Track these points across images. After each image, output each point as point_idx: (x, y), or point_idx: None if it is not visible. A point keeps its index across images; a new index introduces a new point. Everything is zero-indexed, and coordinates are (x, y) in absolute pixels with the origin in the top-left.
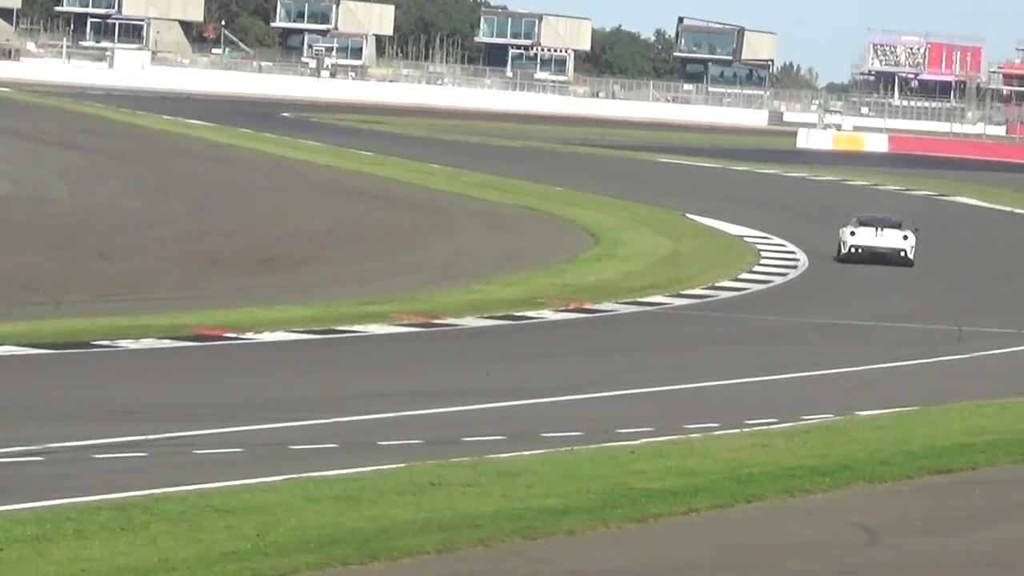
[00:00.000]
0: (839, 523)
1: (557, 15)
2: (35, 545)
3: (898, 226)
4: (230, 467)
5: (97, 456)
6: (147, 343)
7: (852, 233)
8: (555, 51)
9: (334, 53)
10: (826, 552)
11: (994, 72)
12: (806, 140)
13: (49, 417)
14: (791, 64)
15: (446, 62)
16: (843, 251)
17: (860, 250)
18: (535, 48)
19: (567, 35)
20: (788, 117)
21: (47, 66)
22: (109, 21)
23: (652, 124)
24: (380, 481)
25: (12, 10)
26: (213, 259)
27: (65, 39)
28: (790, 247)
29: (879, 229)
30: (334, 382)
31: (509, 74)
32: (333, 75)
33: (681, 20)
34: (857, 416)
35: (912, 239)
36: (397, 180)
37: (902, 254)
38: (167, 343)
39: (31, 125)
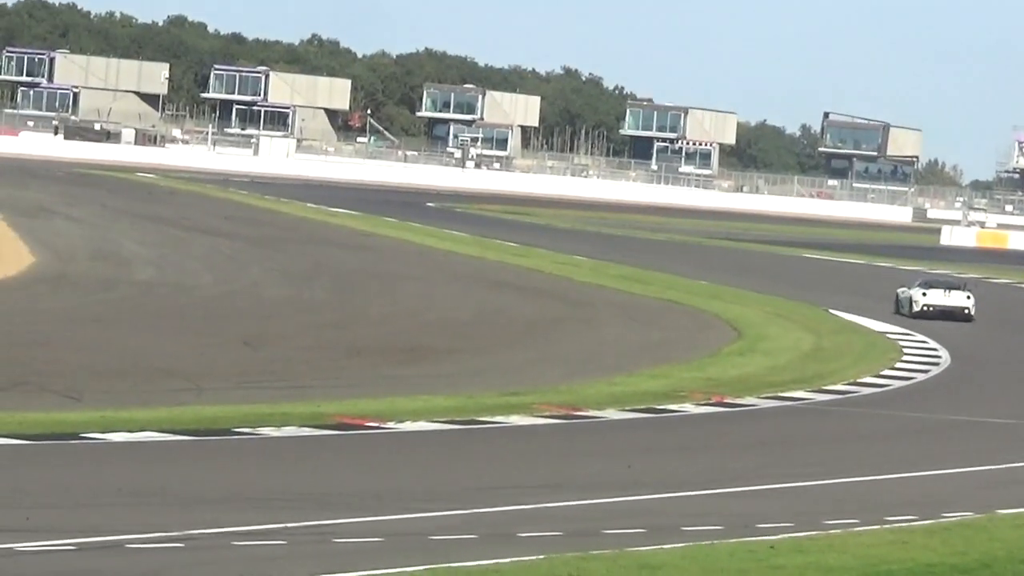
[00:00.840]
0: None
1: (703, 109)
2: None
3: (962, 287)
4: (370, 556)
5: (237, 543)
6: (289, 431)
7: (924, 294)
8: (700, 144)
9: (479, 143)
10: None
11: None
12: (950, 237)
13: (189, 504)
14: (936, 160)
15: (591, 154)
16: (915, 309)
17: (932, 308)
18: (680, 141)
19: (712, 129)
20: (932, 214)
21: (192, 152)
22: (255, 108)
23: (796, 219)
24: (520, 572)
25: (158, 96)
26: (356, 348)
27: (211, 125)
28: (932, 344)
29: (947, 291)
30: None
31: (654, 167)
32: (478, 165)
33: (827, 115)
34: (998, 514)
35: (973, 299)
36: (541, 271)
37: (967, 312)
38: (309, 431)
39: (175, 211)
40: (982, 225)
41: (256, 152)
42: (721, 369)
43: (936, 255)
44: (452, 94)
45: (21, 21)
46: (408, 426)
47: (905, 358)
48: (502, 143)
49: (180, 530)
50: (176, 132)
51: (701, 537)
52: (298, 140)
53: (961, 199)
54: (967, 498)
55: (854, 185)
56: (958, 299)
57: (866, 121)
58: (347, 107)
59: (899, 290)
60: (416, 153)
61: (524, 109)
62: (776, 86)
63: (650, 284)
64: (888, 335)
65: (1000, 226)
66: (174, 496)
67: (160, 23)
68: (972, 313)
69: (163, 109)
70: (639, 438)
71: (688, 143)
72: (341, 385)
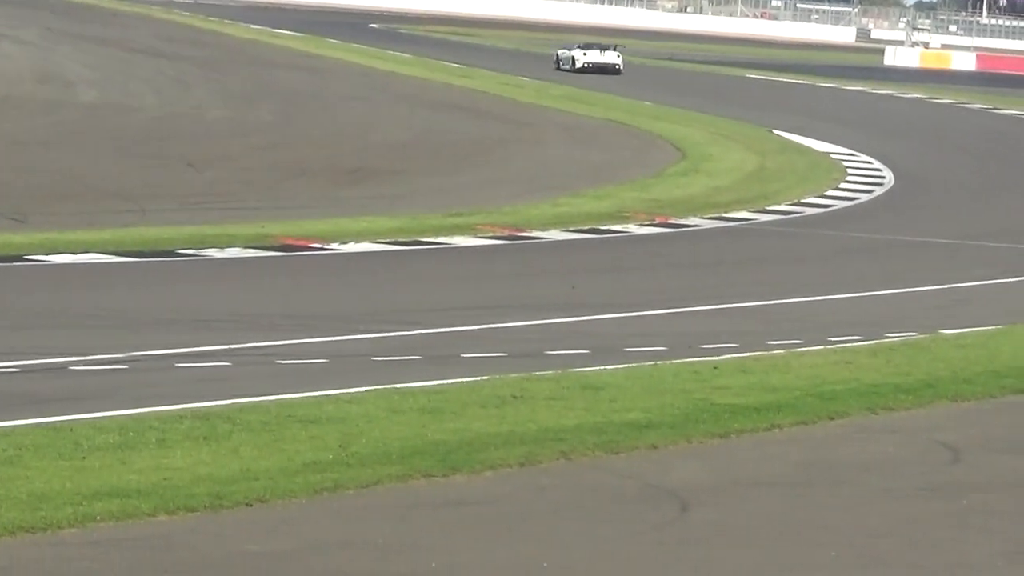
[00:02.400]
0: (922, 441)
1: None
2: (118, 453)
3: (613, 48)
4: (314, 378)
5: (181, 365)
6: (233, 252)
7: (584, 54)
8: None
9: None
10: (908, 469)
11: None
12: (894, 58)
13: (134, 325)
14: None
15: None
16: (577, 65)
17: (591, 65)
18: None
19: None
20: (876, 34)
21: None
22: None
23: (739, 40)
24: (463, 394)
25: None
26: (300, 169)
27: None
28: (876, 164)
29: (602, 51)
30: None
31: None
32: None
33: None
34: (941, 334)
35: (621, 57)
36: (486, 92)
37: (617, 67)
38: (253, 252)
39: (119, 33)
40: (925, 46)
41: None
42: (664, 190)
43: (879, 75)
44: None
45: None
46: (352, 247)
47: (848, 178)
48: None
49: (124, 352)
50: None
51: (644, 358)
52: None
53: (905, 19)
54: (911, 318)
55: (798, 5)
56: (611, 57)
57: None
58: None
59: (559, 51)
60: None
61: None
62: None
63: (593, 105)
64: (831, 155)
65: (944, 47)
66: (118, 318)
67: None
68: (621, 68)
69: None
70: (582, 259)
71: None
72: (285, 206)
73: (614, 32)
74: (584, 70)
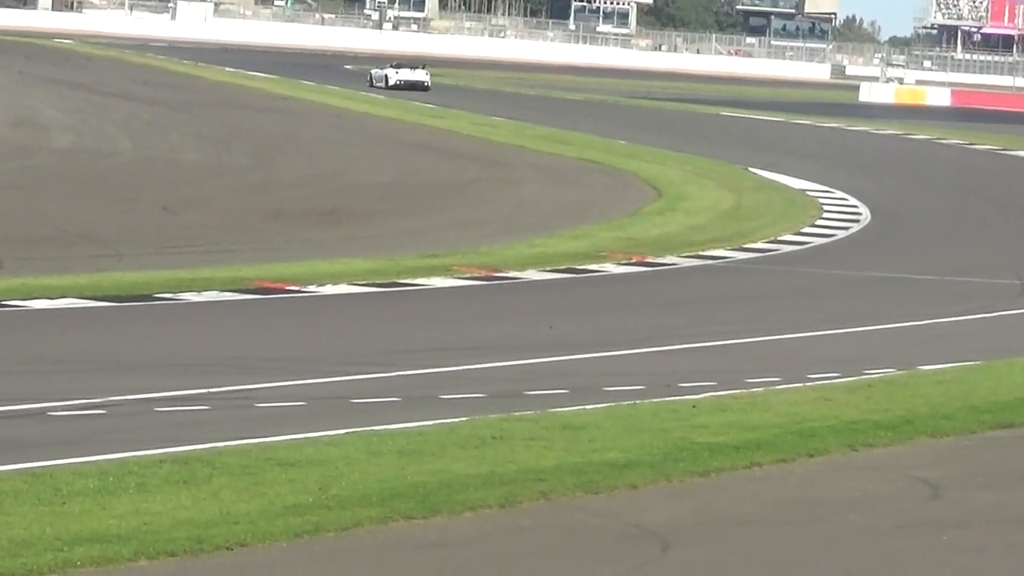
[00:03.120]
0: (901, 478)
1: None
2: (97, 498)
3: (423, 67)
4: (292, 420)
5: (159, 409)
6: (209, 296)
7: (396, 72)
8: (618, 4)
9: (396, 5)
10: (888, 507)
11: None
12: (868, 94)
13: (111, 370)
14: (854, 17)
15: (508, 14)
16: (391, 83)
17: (403, 82)
18: (597, 1)
19: None
20: (851, 71)
21: (109, 18)
22: None
23: (714, 78)
24: (443, 435)
25: None
26: (275, 211)
27: None
28: (852, 201)
29: (412, 69)
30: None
31: (572, 27)
32: (395, 27)
33: None
34: (919, 371)
35: (429, 74)
36: (460, 133)
37: (425, 84)
38: (229, 296)
39: (93, 77)
40: (900, 81)
41: (174, 17)
42: (641, 229)
43: (855, 112)
44: None
45: None
46: (328, 289)
47: (825, 215)
48: (419, 4)
49: (102, 396)
50: None
51: (623, 397)
52: (216, 4)
53: (879, 56)
54: (889, 355)
55: (772, 43)
56: (420, 75)
57: None
58: None
59: (372, 71)
60: (333, 16)
61: None
62: None
63: (569, 144)
64: (808, 192)
65: (918, 82)
66: (96, 362)
67: None
68: (428, 84)
69: None
70: (560, 299)
71: (606, 2)
72: (261, 249)
73: (589, 71)
74: (397, 87)
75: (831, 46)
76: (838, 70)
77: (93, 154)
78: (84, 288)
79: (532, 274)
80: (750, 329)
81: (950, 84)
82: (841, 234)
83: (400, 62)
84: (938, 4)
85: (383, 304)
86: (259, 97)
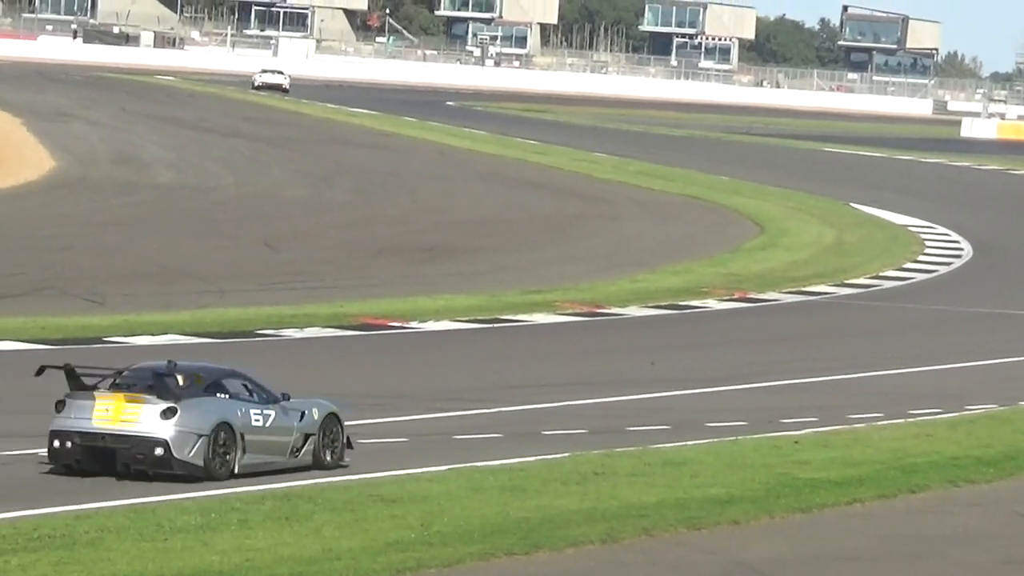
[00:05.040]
0: (1004, 513)
1: (721, 3)
2: (200, 535)
3: (282, 72)
4: (395, 457)
5: None
6: (312, 332)
7: (262, 75)
8: (720, 39)
9: (498, 42)
10: (991, 543)
11: None
12: (971, 129)
13: None
14: (955, 53)
15: (610, 51)
16: (256, 84)
17: (264, 84)
18: (699, 37)
19: (731, 24)
20: (952, 106)
21: (211, 54)
22: (274, 9)
23: (816, 113)
24: (545, 471)
25: None
26: (377, 248)
27: (229, 27)
28: (954, 236)
29: (274, 72)
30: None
31: (674, 63)
32: (497, 64)
33: (846, 9)
34: (1022, 406)
35: (288, 79)
36: (561, 169)
37: (284, 87)
38: (331, 332)
39: (195, 114)
40: (1003, 116)
41: (276, 53)
42: (743, 264)
43: (957, 147)
44: None
45: None
46: (430, 325)
47: (927, 251)
48: (521, 41)
49: None
50: (195, 34)
51: (725, 433)
52: (317, 41)
53: (981, 91)
54: (990, 390)
55: (874, 78)
56: (279, 79)
57: (885, 14)
58: (365, 7)
59: (255, 75)
60: (435, 52)
61: (543, 6)
62: None
63: (671, 180)
64: (910, 228)
65: (1021, 117)
66: None
67: None
68: (287, 87)
69: (181, 11)
70: (662, 335)
71: (707, 38)
72: (363, 285)
73: (690, 107)
74: (260, 87)
75: (933, 81)
76: (940, 105)
77: (194, 190)
78: (185, 324)
79: (634, 310)
80: (851, 365)
81: None
82: (943, 270)
83: (265, 68)
84: None
85: (485, 340)
86: (361, 133)
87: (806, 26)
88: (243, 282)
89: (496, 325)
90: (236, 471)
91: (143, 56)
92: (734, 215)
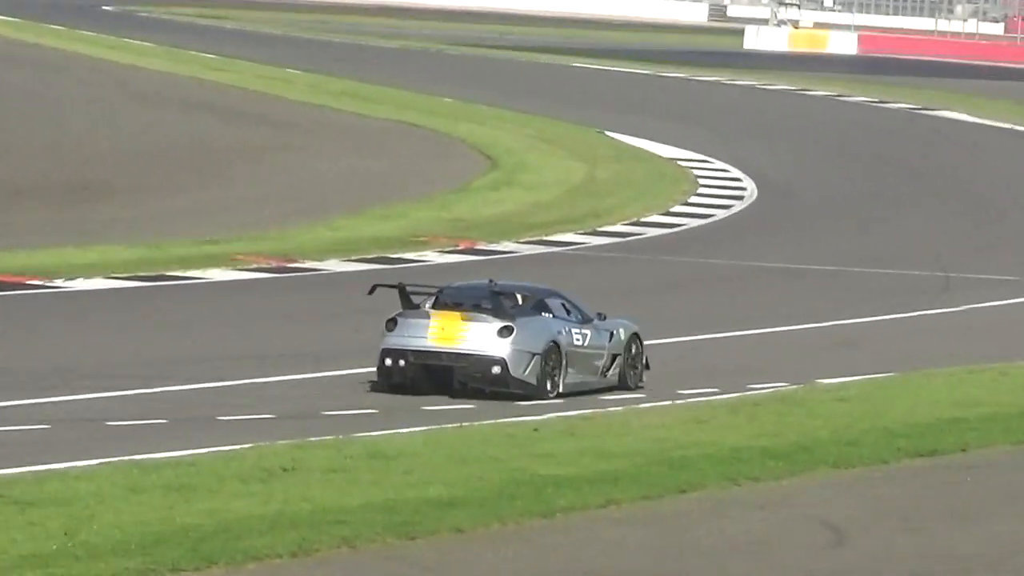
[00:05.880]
0: (796, 518)
1: None
2: None
3: None
4: (32, 449)
5: None
6: None
7: None
8: None
9: None
10: (780, 555)
11: None
12: (756, 39)
13: None
14: None
15: None
16: None
17: None
18: None
19: None
20: (733, 11)
21: None
22: None
23: (565, 20)
24: (221, 466)
25: None
26: (13, 188)
27: None
28: (735, 173)
29: None
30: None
31: None
32: None
33: None
34: (818, 385)
35: None
36: (246, 89)
37: None
38: None
39: None
40: (795, 25)
41: None
42: (470, 207)
43: (739, 61)
44: None
45: None
46: (80, 284)
47: (701, 190)
48: None
49: None
50: None
51: (447, 418)
52: None
53: None
54: (780, 365)
55: None
56: None
57: None
58: None
59: None
60: None
61: None
62: None
63: (380, 103)
64: (680, 162)
65: (817, 25)
66: None
67: None
68: None
69: None
70: (369, 296)
71: None
72: None
73: (406, 12)
74: None
75: None
76: (718, 11)
77: None
78: None
79: (333, 264)
80: None
81: (857, 27)
82: (721, 214)
83: None
84: None
85: (148, 302)
86: None
87: None
88: None
89: (162, 283)
90: (561, 390)
91: None
92: (459, 145)
